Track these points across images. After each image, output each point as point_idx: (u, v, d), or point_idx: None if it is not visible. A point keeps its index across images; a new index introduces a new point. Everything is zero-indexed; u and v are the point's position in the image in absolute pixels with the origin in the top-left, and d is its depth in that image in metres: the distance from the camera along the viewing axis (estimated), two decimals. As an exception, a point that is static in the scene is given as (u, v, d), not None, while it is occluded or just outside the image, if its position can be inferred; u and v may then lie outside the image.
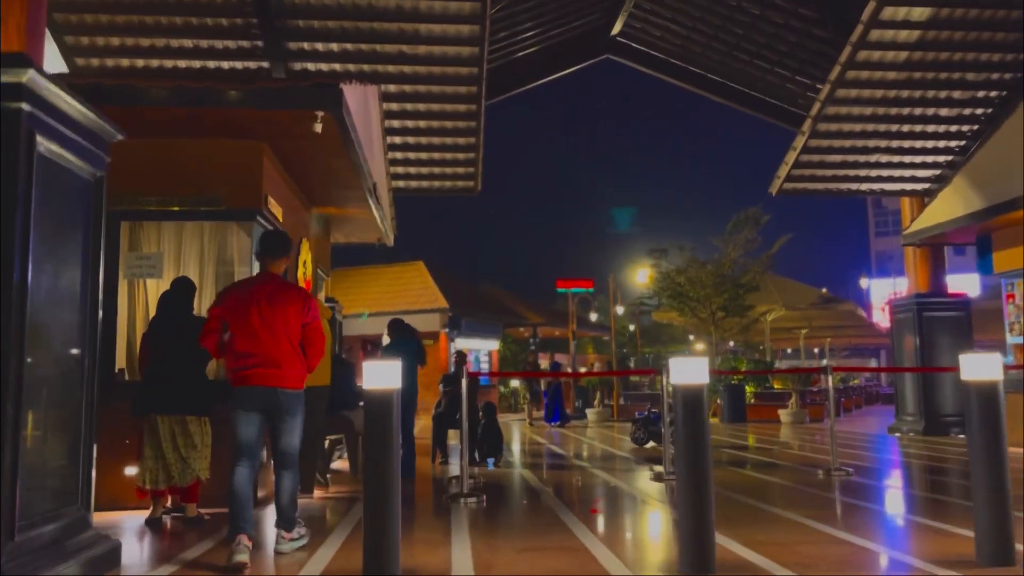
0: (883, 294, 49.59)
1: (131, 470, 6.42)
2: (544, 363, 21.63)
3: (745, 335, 27.48)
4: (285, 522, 5.12)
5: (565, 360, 31.45)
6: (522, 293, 35.62)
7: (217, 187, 7.43)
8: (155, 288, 7.60)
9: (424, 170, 14.02)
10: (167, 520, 6.36)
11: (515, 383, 29.04)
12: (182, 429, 6.16)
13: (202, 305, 7.51)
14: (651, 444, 13.02)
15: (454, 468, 10.10)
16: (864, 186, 15.09)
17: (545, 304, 37.77)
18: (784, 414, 20.03)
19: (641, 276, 23.72)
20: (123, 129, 4.89)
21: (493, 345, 27.06)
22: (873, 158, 14.44)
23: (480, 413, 10.78)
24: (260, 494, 7.09)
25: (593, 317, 32.14)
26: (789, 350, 48.87)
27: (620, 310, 30.18)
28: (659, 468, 9.37)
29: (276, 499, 5.15)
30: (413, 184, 14.20)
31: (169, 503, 6.35)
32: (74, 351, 4.49)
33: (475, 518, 6.40)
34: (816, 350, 51.67)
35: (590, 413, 22.55)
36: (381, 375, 4.26)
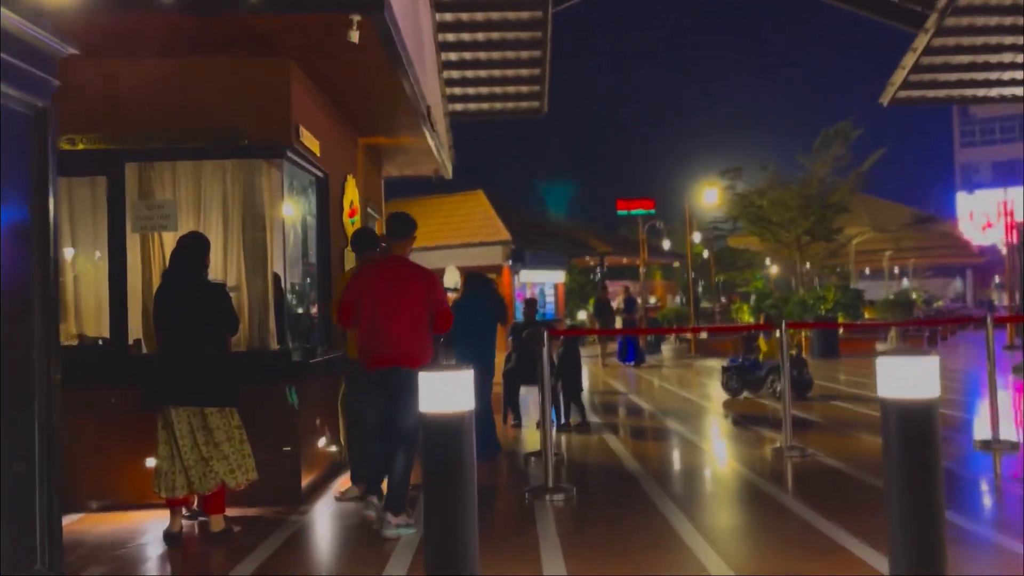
0: (980, 207, 46.18)
1: (153, 461, 5.27)
2: (616, 300, 20.24)
3: (833, 260, 25.44)
4: (395, 503, 4.96)
5: (633, 288, 29.93)
6: (587, 220, 33.96)
7: (238, 118, 6.06)
8: (173, 243, 6.35)
9: (484, 90, 12.41)
10: (192, 526, 5.24)
11: (582, 316, 27.69)
12: (202, 424, 4.96)
13: (226, 265, 6.26)
14: (745, 395, 11.59)
15: (529, 434, 8.85)
16: (995, 91, 12.97)
17: (611, 232, 36.06)
18: (883, 348, 18.27)
19: (709, 196, 21.71)
20: (114, 48, 3.49)
21: (559, 277, 25.65)
22: (1007, 58, 12.29)
23: (555, 359, 9.39)
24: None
25: (666, 245, 30.36)
26: (868, 271, 46.28)
27: (697, 237, 28.34)
28: (772, 437, 7.94)
29: (388, 477, 5.10)
30: (472, 107, 12.64)
31: (185, 511, 5.18)
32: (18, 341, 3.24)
33: (566, 529, 5.10)
34: (896, 270, 48.84)
35: (665, 349, 21.13)
36: (445, 391, 2.87)
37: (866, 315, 23.49)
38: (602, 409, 10.83)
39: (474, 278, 7.90)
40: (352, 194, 8.36)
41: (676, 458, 7.41)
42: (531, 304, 9.68)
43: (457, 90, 12.27)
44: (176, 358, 4.99)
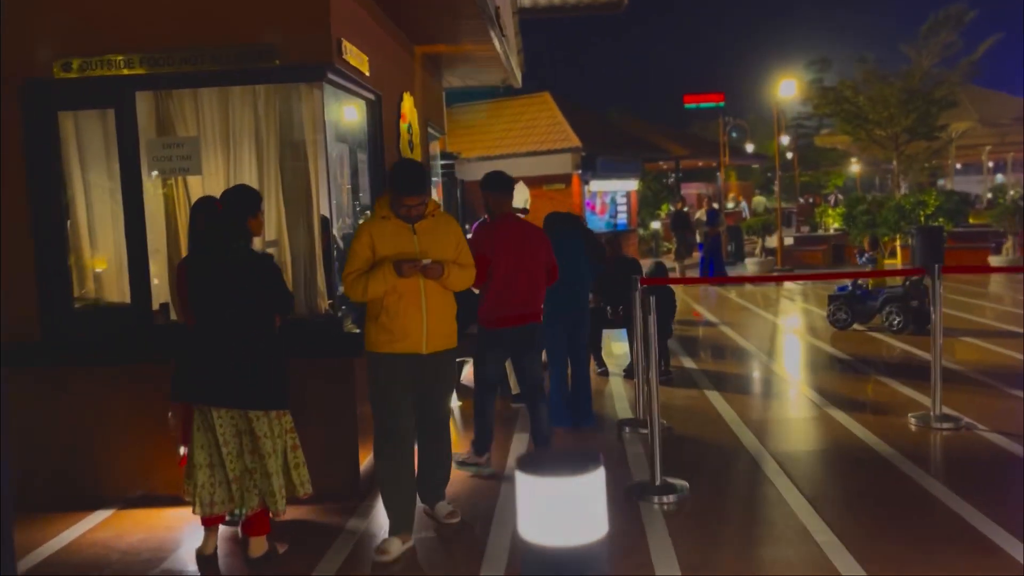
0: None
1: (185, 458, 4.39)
2: (699, 212, 18.69)
3: (935, 160, 23.24)
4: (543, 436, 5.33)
5: (708, 191, 28.12)
6: (658, 120, 31.92)
7: (268, 33, 4.88)
8: (200, 188, 5.31)
9: (557, -17, 10.85)
10: (231, 538, 4.38)
11: (656, 225, 26.21)
12: (247, 428, 4.00)
13: (265, 215, 5.20)
14: (856, 326, 10.29)
15: (616, 386, 7.80)
16: None
17: (681, 129, 33.98)
18: (997, 261, 16.52)
19: (786, 89, 19.50)
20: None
21: (632, 185, 24.05)
22: None
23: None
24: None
25: (749, 148, 28.26)
26: (959, 166, 43.26)
27: (785, 139, 26.21)
28: (908, 396, 6.71)
29: (533, 430, 5.44)
30: (543, 2, 11.09)
31: (227, 515, 4.29)
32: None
33: (684, 545, 4.07)
34: (991, 164, 45.51)
35: (750, 263, 19.67)
36: (568, 508, 1.75)
37: (971, 222, 21.49)
38: (694, 348, 9.68)
39: (562, 218, 6.69)
40: (411, 114, 7.17)
41: (800, 431, 6.25)
42: (614, 241, 8.44)
43: (526, -16, 10.74)
44: (216, 349, 3.98)
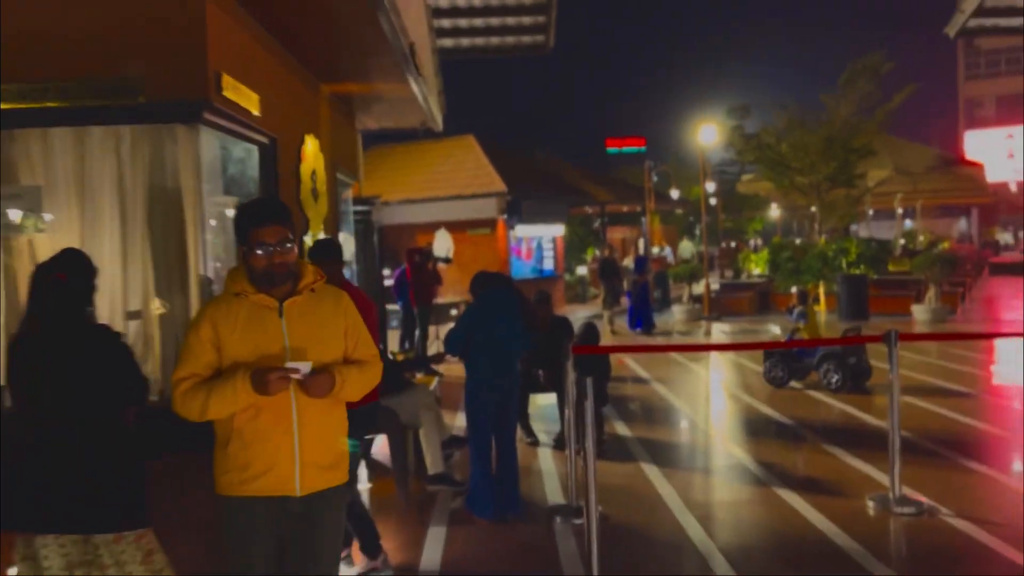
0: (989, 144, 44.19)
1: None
2: (627, 259, 18.30)
3: (854, 207, 23.53)
4: None
5: (631, 236, 27.96)
6: (583, 164, 31.79)
7: (132, 62, 4.07)
8: (49, 247, 4.40)
9: (479, 22, 10.28)
10: None
11: (582, 270, 25.83)
12: (89, 557, 3.08)
13: (127, 279, 4.32)
14: (794, 384, 9.85)
15: (546, 459, 7.06)
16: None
17: (603, 173, 33.94)
18: (920, 310, 16.54)
19: (707, 135, 19.34)
20: None
21: (558, 230, 23.63)
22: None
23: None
24: None
25: (675, 194, 28.26)
26: (871, 211, 44.60)
27: (711, 185, 26.26)
28: (860, 471, 6.16)
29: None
30: (464, 42, 10.51)
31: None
32: None
33: None
34: (900, 211, 47.10)
35: (677, 310, 19.34)
36: None
37: (891, 269, 21.74)
38: (627, 410, 9.04)
39: (492, 278, 5.90)
40: (315, 159, 6.39)
41: (750, 518, 5.59)
42: (544, 297, 7.77)
43: (446, 22, 10.13)
44: (48, 453, 3.07)
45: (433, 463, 6.22)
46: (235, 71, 4.50)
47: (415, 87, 7.19)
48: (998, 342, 12.97)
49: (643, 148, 34.64)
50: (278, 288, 2.79)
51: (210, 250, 4.48)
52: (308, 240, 6.02)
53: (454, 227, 19.83)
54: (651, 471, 6.56)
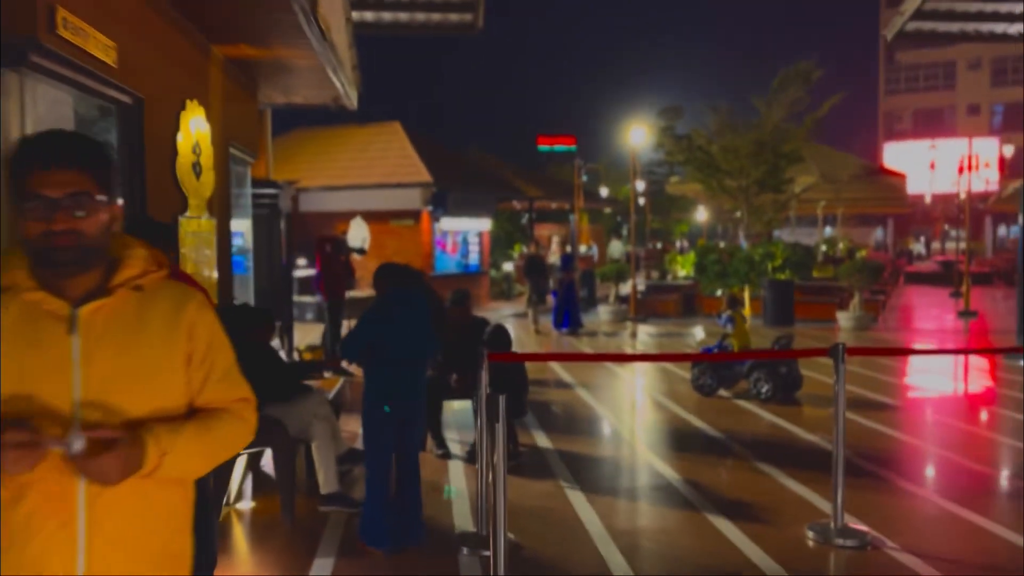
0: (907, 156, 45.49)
1: None
2: (553, 255, 17.75)
3: (780, 212, 23.57)
4: None
5: (560, 234, 27.47)
6: (513, 160, 31.15)
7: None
8: None
9: (401, -6, 9.47)
10: None
11: (508, 267, 25.22)
12: None
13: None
14: (722, 392, 9.40)
15: (456, 472, 6.37)
16: (1017, 26, 10.80)
17: (533, 169, 33.40)
18: (844, 317, 16.46)
19: (637, 136, 18.89)
20: None
21: (485, 225, 22.94)
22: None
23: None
24: None
25: (604, 192, 27.90)
26: (793, 218, 45.43)
27: (641, 185, 25.95)
28: (794, 494, 5.65)
29: None
30: (386, 16, 9.70)
31: None
32: None
33: None
34: (821, 217, 48.16)
35: (603, 310, 18.89)
36: None
37: (815, 275, 21.78)
38: (548, 417, 8.42)
39: (399, 273, 5.02)
40: (198, 130, 5.53)
41: (680, 549, 5.01)
42: (460, 296, 7.04)
43: (365, -9, 9.31)
44: None
45: (326, 481, 5.46)
46: (79, 9, 3.66)
47: (320, 52, 6.38)
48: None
49: (574, 147, 34.22)
50: (71, 281, 1.66)
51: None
52: (182, 224, 5.18)
53: (377, 217, 18.95)
54: (571, 492, 5.92)
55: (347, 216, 17.38)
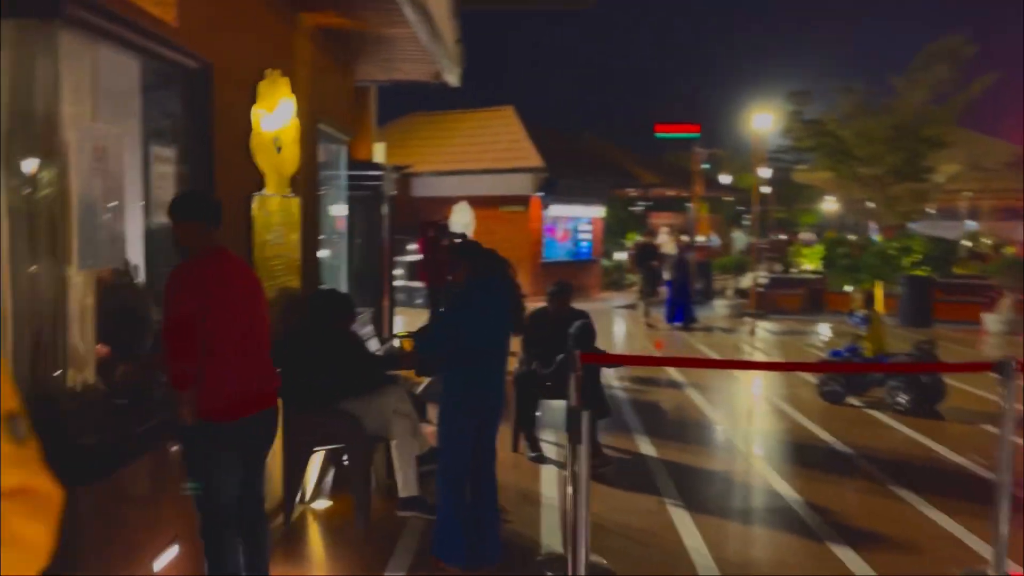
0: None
1: None
2: (667, 243, 16.89)
3: (919, 203, 21.75)
4: None
5: (676, 223, 26.36)
6: (632, 146, 30.19)
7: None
8: None
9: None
10: None
11: (621, 255, 24.42)
12: None
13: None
14: (851, 400, 8.46)
15: (550, 482, 5.82)
16: None
17: (653, 157, 32.28)
18: (991, 319, 14.87)
19: (761, 122, 17.57)
20: None
21: (597, 212, 22.23)
22: None
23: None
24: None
25: (727, 179, 26.59)
26: (933, 210, 42.31)
27: (767, 171, 24.56)
28: (955, 536, 4.79)
29: None
30: (492, -12, 9.16)
31: None
32: None
33: None
34: (964, 210, 44.66)
35: (721, 304, 17.87)
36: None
37: (956, 272, 19.96)
38: (654, 421, 7.74)
39: (485, 257, 4.46)
40: (277, 103, 5.17)
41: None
42: (563, 289, 6.46)
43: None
44: None
45: (405, 484, 5.01)
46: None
47: (417, 25, 5.92)
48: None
49: (696, 134, 32.88)
50: None
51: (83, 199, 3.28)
52: (258, 203, 4.82)
53: (486, 203, 18.57)
54: (676, 510, 5.27)
55: (456, 201, 17.09)
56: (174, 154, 4.12)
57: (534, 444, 6.42)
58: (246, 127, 4.69)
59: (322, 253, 6.72)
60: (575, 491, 3.28)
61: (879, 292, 17.50)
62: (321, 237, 6.54)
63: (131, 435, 3.46)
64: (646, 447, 6.73)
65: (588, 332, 6.32)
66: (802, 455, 6.75)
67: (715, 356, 11.75)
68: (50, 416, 3.06)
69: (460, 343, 4.20)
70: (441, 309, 7.18)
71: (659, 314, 15.68)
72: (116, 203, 3.49)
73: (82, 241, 3.27)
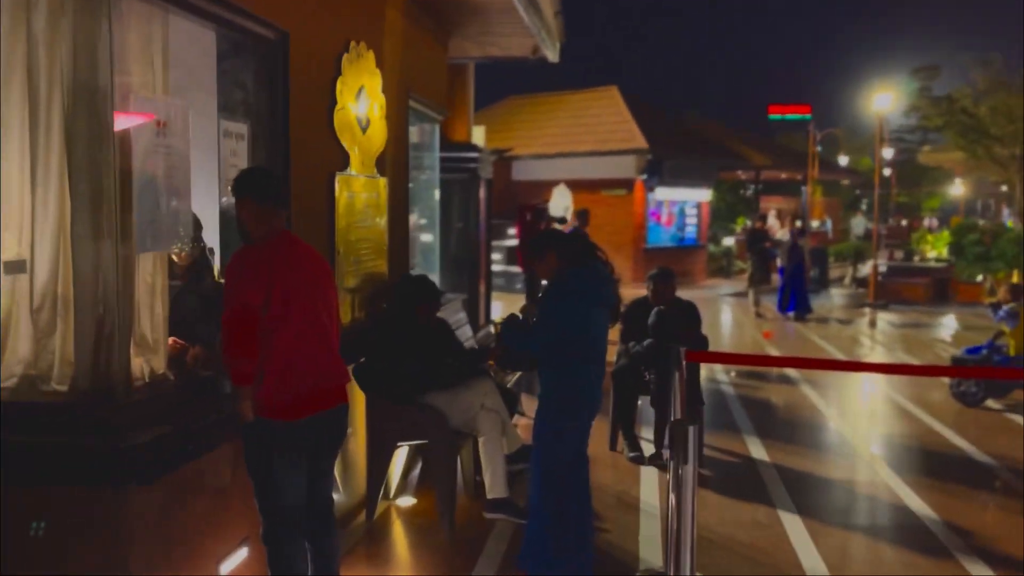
0: None
1: None
2: (779, 228, 16.01)
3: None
4: None
5: (788, 207, 25.12)
6: (741, 126, 29.01)
7: None
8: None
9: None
10: None
11: (729, 241, 23.48)
12: None
13: (53, 222, 2.98)
14: (990, 402, 7.64)
15: (650, 485, 5.39)
16: None
17: (765, 138, 30.92)
18: None
19: (882, 101, 16.25)
20: None
21: (704, 195, 21.38)
22: None
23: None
24: None
25: (842, 161, 25.11)
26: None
27: (888, 152, 23.10)
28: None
29: None
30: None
31: None
32: None
33: None
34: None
35: (837, 294, 16.84)
36: None
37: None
38: (765, 421, 7.17)
39: (584, 247, 4.02)
40: (367, 77, 4.90)
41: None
42: (665, 275, 5.98)
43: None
44: None
45: (493, 484, 4.66)
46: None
47: (514, -6, 5.54)
48: None
49: (808, 116, 31.30)
50: None
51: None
52: (341, 183, 4.57)
53: (588, 186, 18.08)
54: (790, 522, 4.75)
55: (545, 191, 16.69)
56: (247, 130, 3.89)
57: (633, 443, 5.98)
58: (329, 102, 4.43)
59: (415, 236, 6.46)
60: (679, 513, 2.87)
61: (1016, 280, 16.13)
62: (414, 220, 6.28)
63: (199, 428, 3.25)
64: (756, 450, 6.19)
65: (694, 318, 5.90)
66: (933, 464, 6.07)
67: (831, 349, 10.96)
68: (109, 407, 2.87)
69: (557, 336, 3.81)
70: (531, 300, 6.83)
71: (770, 303, 14.88)
72: (182, 181, 3.27)
73: (142, 222, 3.05)
